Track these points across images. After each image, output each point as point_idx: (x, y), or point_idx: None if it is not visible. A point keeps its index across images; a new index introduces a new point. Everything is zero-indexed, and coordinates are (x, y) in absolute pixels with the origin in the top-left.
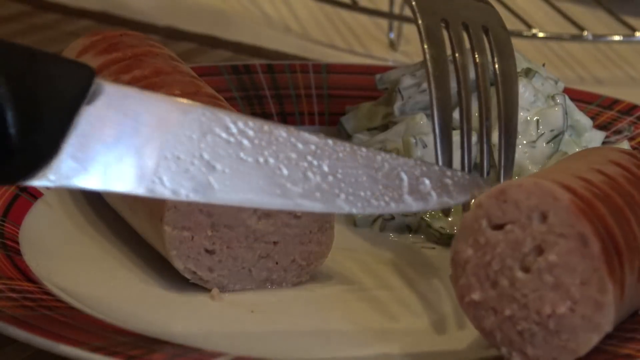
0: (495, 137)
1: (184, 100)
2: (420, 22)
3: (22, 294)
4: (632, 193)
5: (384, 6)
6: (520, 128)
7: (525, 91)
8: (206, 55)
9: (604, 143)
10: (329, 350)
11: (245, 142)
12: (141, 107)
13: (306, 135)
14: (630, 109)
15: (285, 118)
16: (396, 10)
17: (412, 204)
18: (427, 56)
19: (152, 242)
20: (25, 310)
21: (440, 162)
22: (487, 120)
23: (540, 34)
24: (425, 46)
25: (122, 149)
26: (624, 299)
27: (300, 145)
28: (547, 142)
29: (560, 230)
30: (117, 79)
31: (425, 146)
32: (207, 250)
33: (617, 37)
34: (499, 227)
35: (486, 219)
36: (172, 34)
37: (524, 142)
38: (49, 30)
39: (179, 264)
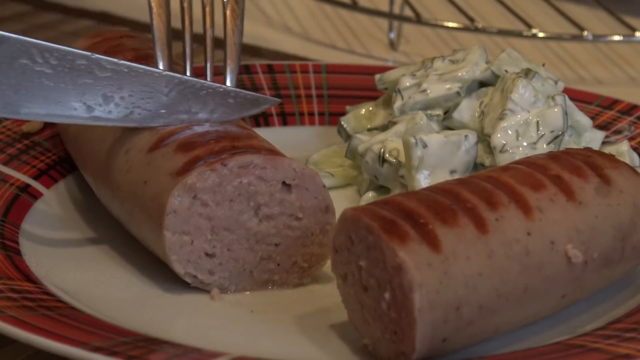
0: (495, 138)
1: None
2: None
3: (22, 294)
4: (490, 175)
5: (384, 6)
6: (520, 129)
7: (525, 92)
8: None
9: (604, 143)
10: (329, 350)
11: (49, 70)
12: None
13: (103, 61)
14: (630, 109)
15: (285, 118)
16: (396, 10)
17: (201, 118)
18: None
19: (151, 248)
20: (25, 310)
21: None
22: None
23: (540, 34)
24: None
25: None
26: (442, 251)
27: (97, 72)
28: (548, 143)
29: (357, 239)
30: None
31: (425, 146)
32: (207, 254)
33: (617, 37)
34: (345, 277)
35: (340, 278)
36: (172, 34)
37: (525, 143)
38: (49, 30)
39: (179, 269)
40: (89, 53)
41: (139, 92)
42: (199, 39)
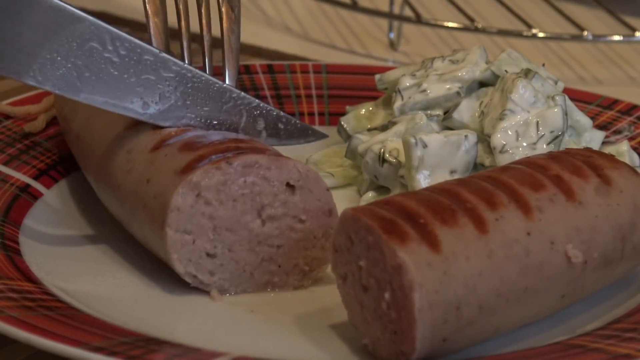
0: (495, 139)
1: (77, 11)
2: None
3: (22, 294)
4: (490, 175)
5: (384, 6)
6: (520, 130)
7: (525, 92)
8: None
9: (604, 143)
10: (329, 350)
11: (116, 59)
12: (40, 10)
13: (170, 62)
14: (630, 109)
15: None
16: (396, 10)
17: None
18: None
19: (152, 247)
20: (25, 310)
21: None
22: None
23: (540, 34)
24: None
25: (10, 39)
26: (442, 251)
27: (161, 71)
28: (548, 144)
29: (357, 239)
30: None
31: (425, 146)
32: (208, 254)
33: (617, 37)
34: (345, 277)
35: (340, 278)
36: (172, 34)
37: (524, 144)
38: None
39: (180, 268)
40: (157, 50)
41: (196, 99)
42: (197, 39)
